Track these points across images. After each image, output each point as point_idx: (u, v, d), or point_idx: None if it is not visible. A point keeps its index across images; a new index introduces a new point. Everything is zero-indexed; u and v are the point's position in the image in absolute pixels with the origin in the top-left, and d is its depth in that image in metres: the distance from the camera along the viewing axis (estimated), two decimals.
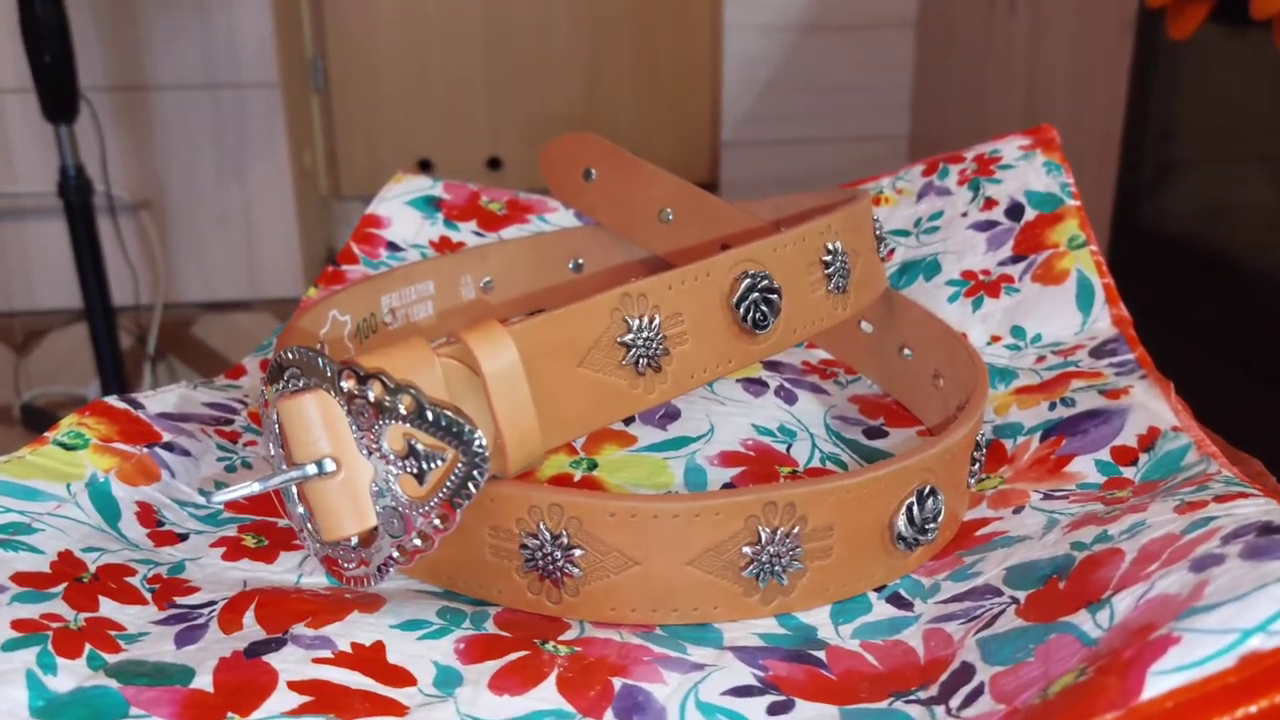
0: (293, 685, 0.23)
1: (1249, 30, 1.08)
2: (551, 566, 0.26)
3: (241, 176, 1.55)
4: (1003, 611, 0.25)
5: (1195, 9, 1.18)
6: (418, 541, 0.24)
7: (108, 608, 0.26)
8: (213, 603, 0.27)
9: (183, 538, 0.30)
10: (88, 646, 0.24)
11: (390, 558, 0.24)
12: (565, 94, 1.88)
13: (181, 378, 1.55)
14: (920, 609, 0.27)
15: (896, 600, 0.28)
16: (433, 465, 0.23)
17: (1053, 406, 0.36)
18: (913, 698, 0.23)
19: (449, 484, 0.23)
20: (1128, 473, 0.32)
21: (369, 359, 0.25)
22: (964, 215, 0.48)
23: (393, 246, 0.50)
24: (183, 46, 1.47)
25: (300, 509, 0.26)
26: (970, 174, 0.49)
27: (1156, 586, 0.21)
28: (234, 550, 0.30)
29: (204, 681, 0.23)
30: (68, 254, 1.06)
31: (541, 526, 0.26)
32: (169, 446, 0.33)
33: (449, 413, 0.22)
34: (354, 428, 0.23)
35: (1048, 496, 0.32)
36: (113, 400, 0.34)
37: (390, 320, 0.43)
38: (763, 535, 0.26)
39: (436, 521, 0.23)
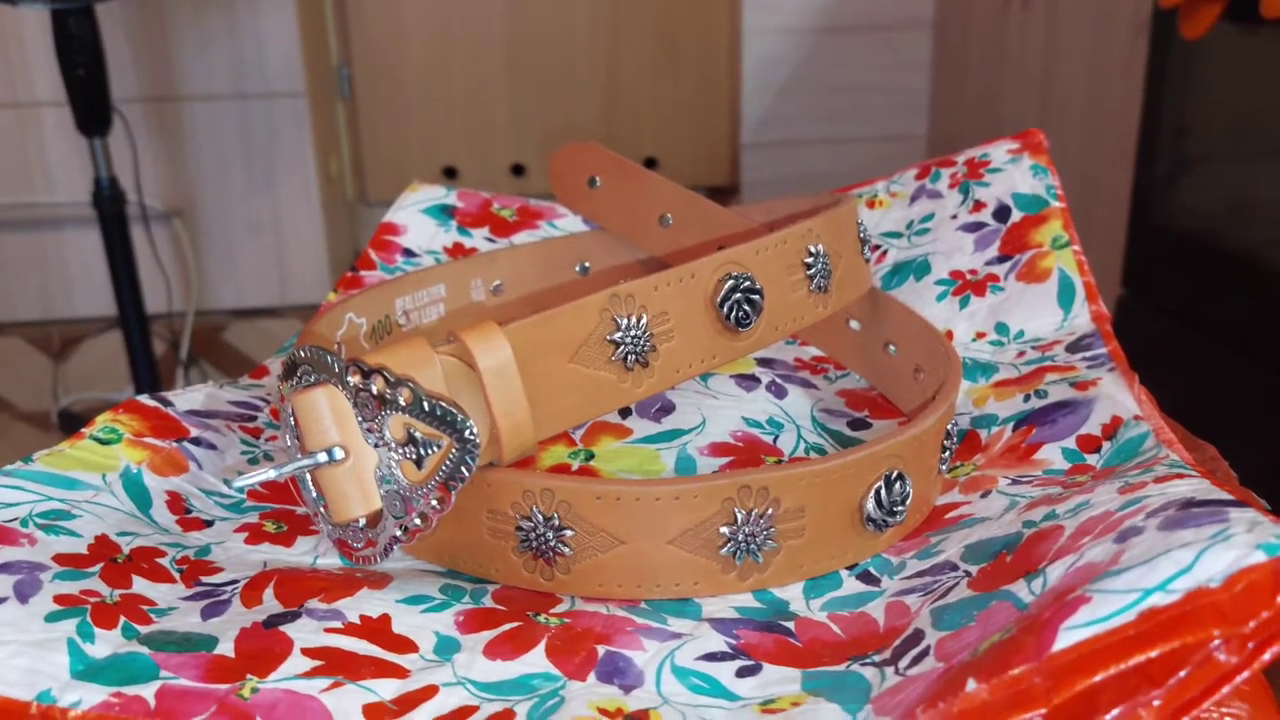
0: (306, 651, 0.25)
1: (1261, 28, 1.09)
2: (544, 546, 0.29)
3: (270, 184, 1.58)
4: (956, 584, 0.27)
5: (1208, 9, 1.19)
6: (418, 521, 0.26)
7: (140, 585, 0.28)
8: (235, 581, 0.29)
9: (209, 524, 0.33)
10: (122, 618, 0.27)
11: (394, 537, 0.27)
12: (587, 100, 1.91)
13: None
14: (886, 584, 0.29)
15: (866, 577, 0.30)
16: (430, 451, 0.25)
17: (1027, 398, 0.38)
18: (868, 660, 0.25)
19: (445, 468, 0.25)
20: (1091, 459, 0.34)
21: (373, 356, 0.27)
22: (954, 217, 0.50)
23: (408, 253, 0.53)
24: (212, 58, 1.51)
25: (314, 494, 0.29)
26: (961, 177, 0.51)
27: (1085, 556, 0.23)
28: (255, 535, 0.32)
29: (226, 648, 0.25)
30: (103, 263, 1.10)
31: (535, 510, 0.28)
32: (196, 441, 0.35)
33: (444, 404, 0.25)
34: (360, 419, 0.26)
35: (1015, 482, 0.34)
36: (144, 399, 0.37)
37: (404, 322, 0.46)
38: (738, 516, 0.28)
39: (434, 503, 0.25)
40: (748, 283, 0.34)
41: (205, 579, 0.29)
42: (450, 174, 1.96)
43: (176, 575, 0.29)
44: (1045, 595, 0.23)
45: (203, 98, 1.54)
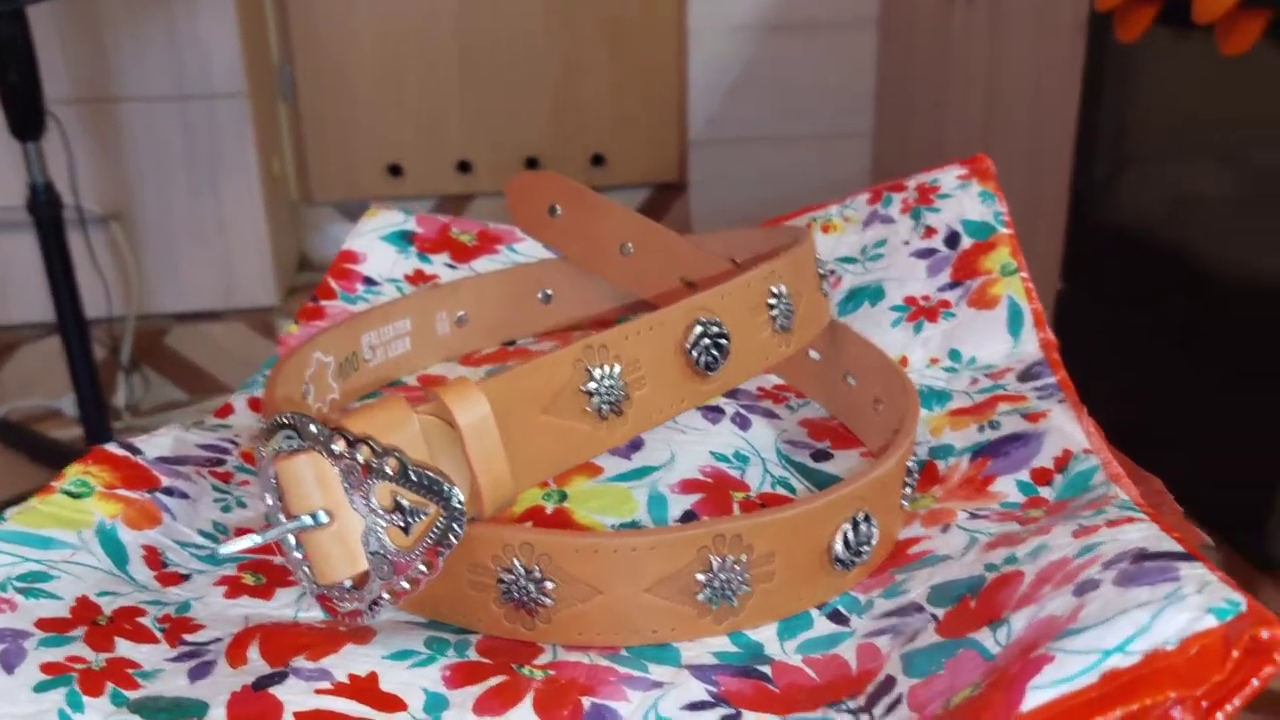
0: (299, 715, 0.26)
1: (1193, 33, 1.12)
2: (525, 598, 0.29)
3: (212, 186, 1.56)
4: (924, 628, 0.28)
5: (1142, 12, 1.22)
6: (405, 585, 0.27)
7: (124, 648, 0.29)
8: (219, 639, 0.30)
9: (186, 577, 0.33)
10: (109, 685, 0.27)
11: (380, 598, 0.27)
12: (536, 98, 1.90)
13: (155, 389, 1.56)
14: (855, 624, 0.30)
15: (836, 617, 0.31)
16: (417, 519, 0.26)
17: (981, 429, 0.40)
18: (843, 707, 0.26)
19: (432, 535, 0.26)
20: (1044, 492, 0.35)
21: (354, 423, 0.27)
22: (906, 243, 0.51)
23: (369, 281, 0.53)
24: (149, 58, 1.48)
25: (297, 554, 0.29)
26: (912, 203, 0.53)
27: (1046, 608, 0.24)
28: (235, 588, 0.32)
29: (218, 715, 0.26)
30: (40, 268, 1.08)
31: (516, 562, 0.29)
32: (168, 491, 0.36)
33: (430, 473, 0.25)
34: (345, 485, 0.26)
35: (973, 516, 0.35)
36: (112, 447, 0.37)
37: (370, 357, 0.46)
38: (714, 563, 0.29)
39: (422, 568, 0.26)
40: (716, 328, 0.35)
41: (188, 638, 0.30)
42: (395, 172, 1.95)
43: (159, 635, 0.30)
44: (1011, 647, 0.24)
45: (140, 98, 1.51)
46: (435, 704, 0.27)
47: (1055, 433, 0.37)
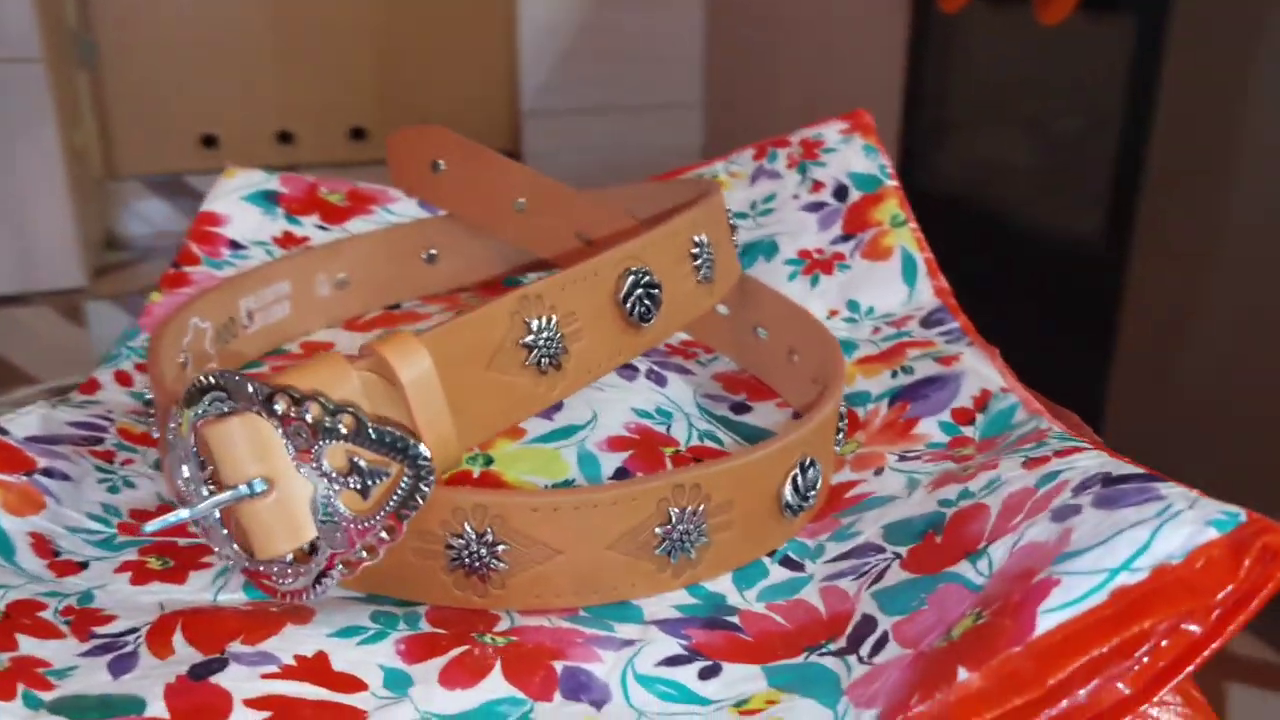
0: (248, 703, 0.24)
1: (1011, 4, 1.18)
2: (478, 563, 0.28)
3: (6, 158, 1.43)
4: (889, 566, 0.28)
5: None
6: (364, 554, 0.25)
7: (28, 645, 0.25)
8: (135, 629, 0.27)
9: (83, 566, 0.29)
10: (20, 687, 0.24)
11: (330, 571, 0.25)
12: (359, 67, 1.83)
13: None
14: (811, 569, 0.30)
15: (788, 563, 0.31)
16: (377, 481, 0.24)
17: (894, 374, 0.40)
18: (824, 650, 0.26)
19: (396, 496, 0.24)
20: (968, 431, 0.36)
21: (292, 378, 0.25)
22: (795, 197, 0.51)
23: (235, 245, 0.49)
24: None
25: (222, 529, 0.26)
26: (797, 158, 0.53)
27: (1025, 536, 0.25)
28: (141, 574, 0.29)
29: (157, 709, 0.23)
30: None
31: (467, 526, 0.27)
32: (48, 472, 0.32)
33: (391, 429, 0.23)
34: (290, 448, 0.24)
35: (902, 458, 0.35)
36: None
37: (248, 323, 0.43)
38: (673, 515, 0.28)
39: (383, 534, 0.24)
40: (648, 277, 0.34)
41: (99, 630, 0.27)
42: (209, 143, 1.84)
43: (65, 629, 0.26)
44: (999, 577, 0.24)
45: None
46: (397, 680, 0.25)
47: (971, 374, 0.38)
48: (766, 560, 0.31)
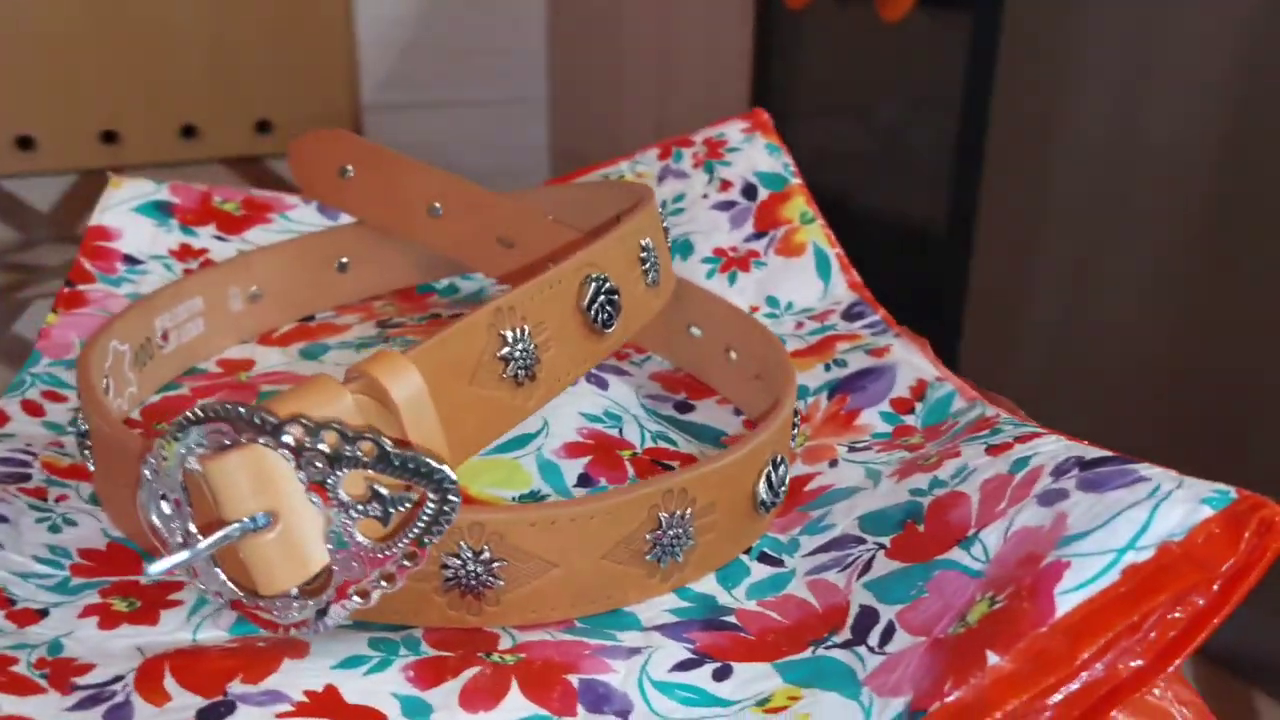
0: None
1: (855, 1, 1.22)
2: (474, 581, 0.27)
3: None
4: (873, 556, 0.29)
5: None
6: (383, 583, 0.24)
7: (9, 704, 0.24)
8: (119, 677, 0.25)
9: (43, 613, 0.28)
10: None
11: (342, 601, 0.24)
12: (189, 59, 1.74)
13: None
14: (791, 563, 0.31)
15: (765, 559, 0.32)
16: (398, 507, 0.23)
17: (828, 368, 0.41)
18: (830, 644, 0.27)
19: (421, 522, 0.23)
20: (909, 420, 0.38)
21: (285, 406, 0.24)
22: (705, 196, 0.52)
23: (130, 260, 0.47)
24: None
25: (216, 569, 0.25)
26: (702, 157, 0.54)
27: (1016, 521, 0.26)
28: (108, 617, 0.28)
29: None
30: None
31: (463, 545, 0.27)
32: None
33: (414, 454, 0.23)
34: (302, 479, 0.23)
35: (852, 448, 0.37)
36: None
37: (163, 343, 0.41)
38: (663, 520, 0.29)
39: (405, 561, 0.24)
40: (608, 284, 0.34)
41: (79, 680, 0.25)
42: (25, 144, 1.72)
43: (43, 683, 0.25)
44: (998, 563, 0.25)
45: None
46: (415, 708, 0.24)
47: (904, 365, 0.39)
48: (745, 558, 0.32)
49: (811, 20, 1.30)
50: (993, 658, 0.22)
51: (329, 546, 0.24)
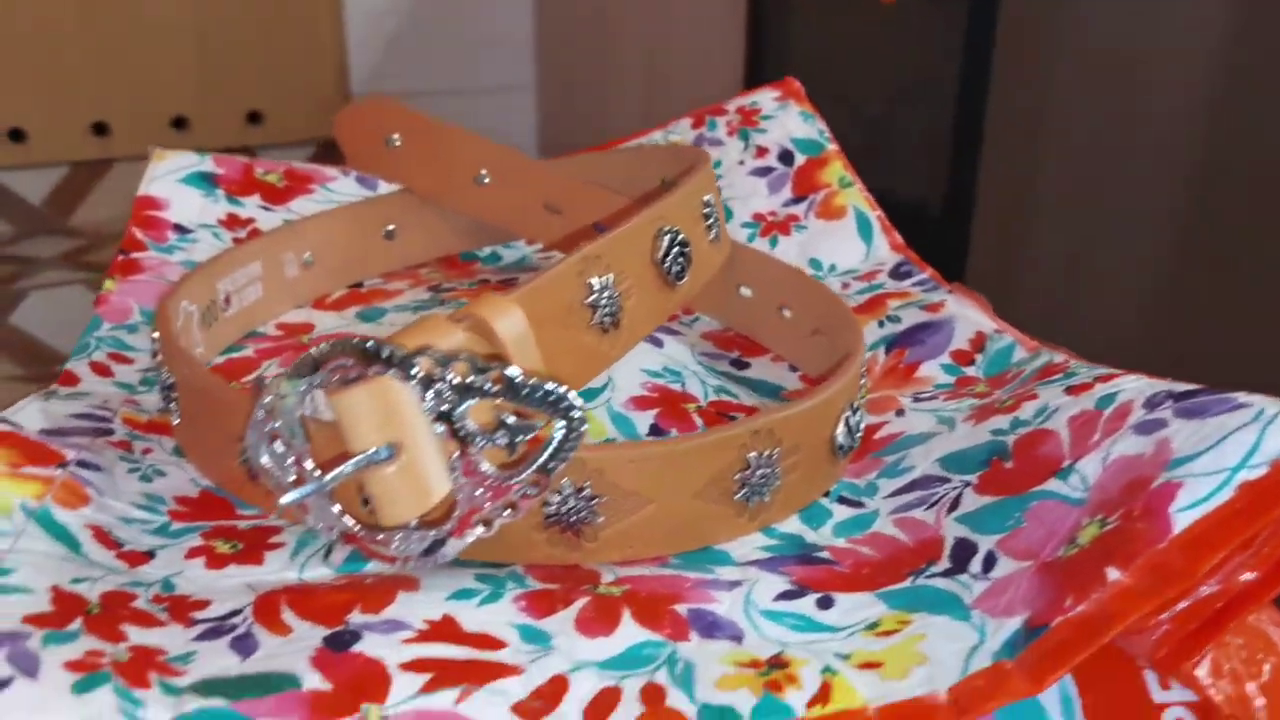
0: (404, 666, 0.23)
1: None
2: (575, 518, 0.28)
3: None
4: (960, 493, 0.30)
5: None
6: (506, 512, 0.24)
7: (138, 635, 0.24)
8: (237, 611, 0.26)
9: (150, 555, 0.28)
10: (153, 675, 0.23)
11: (466, 531, 0.25)
12: (178, 51, 1.73)
13: None
14: (872, 505, 0.32)
15: (845, 501, 0.32)
16: (524, 436, 0.24)
17: (881, 324, 0.42)
18: (929, 574, 0.27)
19: (548, 450, 0.24)
20: (970, 371, 0.38)
21: (407, 340, 0.25)
22: (741, 163, 0.53)
23: (180, 229, 0.47)
24: None
25: (335, 506, 0.26)
26: (736, 125, 0.54)
27: (1113, 451, 0.27)
28: (214, 558, 0.28)
29: (315, 682, 0.23)
30: None
31: (564, 481, 0.28)
32: (83, 465, 0.30)
33: (543, 383, 0.23)
34: (428, 410, 0.24)
35: (917, 399, 0.37)
36: None
37: (225, 307, 0.41)
38: (750, 461, 0.29)
39: (530, 489, 0.24)
40: (680, 236, 0.34)
41: (198, 615, 0.25)
42: (16, 136, 1.71)
43: (164, 617, 0.25)
44: (1100, 489, 0.26)
45: None
46: (534, 635, 0.25)
47: (961, 319, 0.40)
48: (825, 501, 0.32)
49: (805, 5, 1.30)
50: (1113, 573, 0.23)
51: (453, 476, 0.24)
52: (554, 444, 0.24)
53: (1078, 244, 0.94)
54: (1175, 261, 0.85)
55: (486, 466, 0.24)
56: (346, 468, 0.24)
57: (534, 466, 0.24)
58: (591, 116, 1.82)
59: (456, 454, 0.24)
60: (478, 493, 0.24)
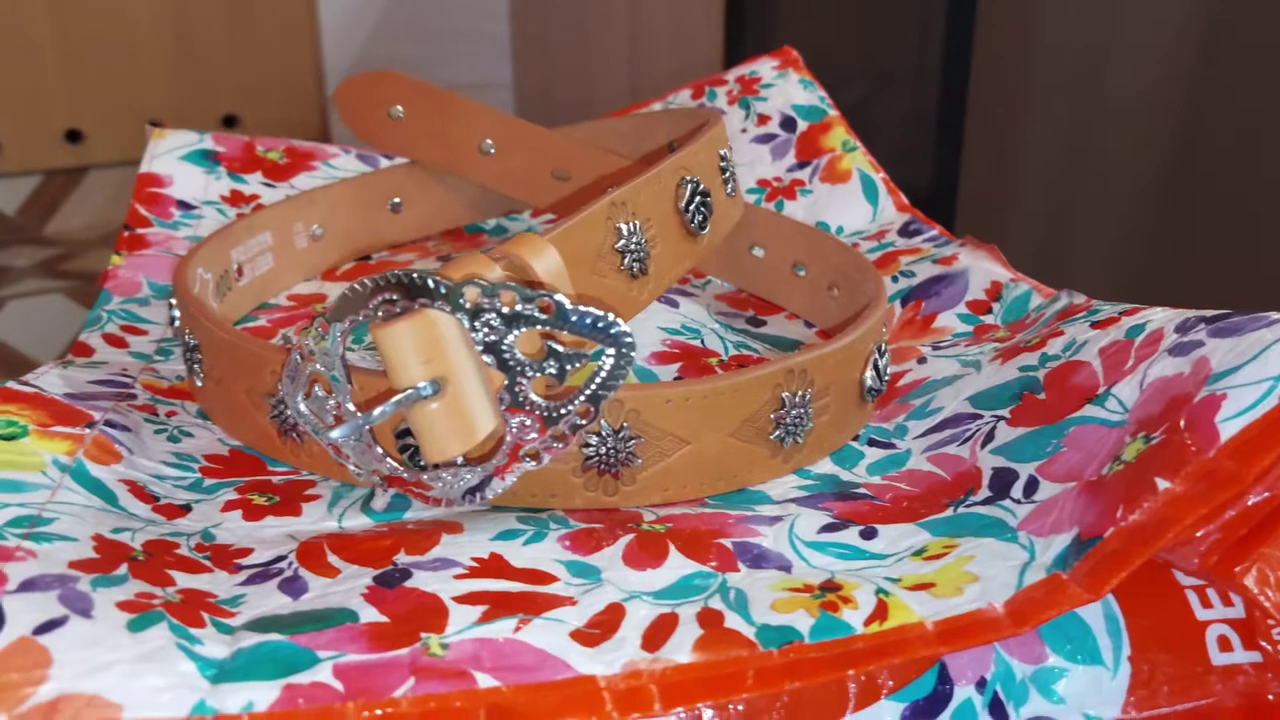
0: (458, 599, 0.23)
1: None
2: (613, 459, 0.28)
3: None
4: (994, 427, 0.30)
5: None
6: (556, 444, 0.24)
7: (185, 580, 0.24)
8: (281, 557, 0.25)
9: (186, 509, 0.28)
10: (205, 615, 0.22)
11: (512, 468, 0.25)
12: (152, 57, 1.72)
13: None
14: (904, 445, 0.32)
15: (875, 444, 0.32)
16: (574, 364, 0.24)
17: (895, 279, 0.42)
18: (969, 503, 0.28)
19: (597, 378, 0.24)
20: (988, 319, 0.39)
21: (448, 272, 0.25)
22: (743, 131, 0.53)
23: (184, 205, 0.47)
24: None
25: (378, 448, 0.25)
26: (737, 94, 0.54)
27: (1149, 374, 0.27)
28: (251, 510, 0.28)
29: (372, 615, 0.22)
30: None
31: (602, 423, 0.27)
32: (111, 425, 0.30)
33: (592, 309, 0.23)
34: (478, 340, 0.24)
35: (936, 348, 0.37)
36: (14, 384, 0.30)
37: (238, 278, 0.41)
38: (786, 401, 0.30)
39: (578, 419, 0.24)
40: (701, 185, 0.34)
41: (242, 562, 0.25)
42: None
43: (208, 564, 0.25)
44: (1141, 408, 0.26)
45: None
46: (582, 570, 0.25)
47: (976, 270, 0.40)
48: (855, 444, 0.32)
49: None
50: (1162, 483, 0.23)
51: (502, 409, 0.24)
52: (604, 371, 0.24)
53: (1062, 229, 0.95)
54: (1150, 257, 0.86)
55: (535, 397, 0.24)
56: (389, 405, 0.24)
57: (584, 395, 0.24)
58: (571, 113, 1.82)
59: (503, 386, 0.24)
60: (527, 425, 0.24)
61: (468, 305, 0.23)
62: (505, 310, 0.23)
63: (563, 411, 0.24)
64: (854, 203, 0.49)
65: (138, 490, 0.28)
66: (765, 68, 0.55)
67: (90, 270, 1.47)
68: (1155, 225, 0.85)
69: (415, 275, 0.23)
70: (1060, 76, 0.92)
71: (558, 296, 0.23)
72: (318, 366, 0.25)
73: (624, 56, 1.59)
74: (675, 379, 0.36)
